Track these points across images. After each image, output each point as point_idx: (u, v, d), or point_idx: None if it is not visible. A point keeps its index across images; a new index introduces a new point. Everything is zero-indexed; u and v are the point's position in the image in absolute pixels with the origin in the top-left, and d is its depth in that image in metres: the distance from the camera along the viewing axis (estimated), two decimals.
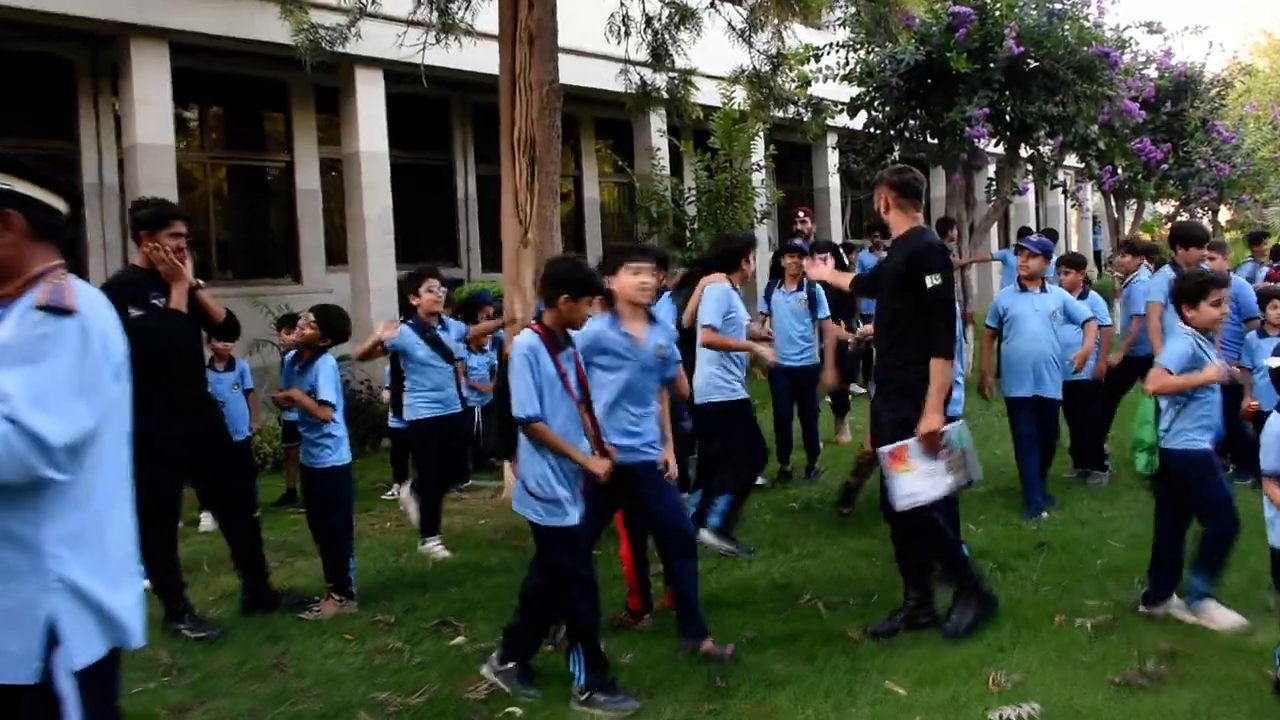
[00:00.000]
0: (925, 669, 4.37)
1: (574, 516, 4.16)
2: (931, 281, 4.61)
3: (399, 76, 11.41)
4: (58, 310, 2.30)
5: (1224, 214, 23.06)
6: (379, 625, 5.23)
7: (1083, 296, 7.52)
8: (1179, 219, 12.38)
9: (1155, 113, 15.81)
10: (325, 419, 5.49)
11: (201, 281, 5.35)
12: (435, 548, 6.47)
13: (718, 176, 12.95)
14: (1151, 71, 16.46)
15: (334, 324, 5.55)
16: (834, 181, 17.70)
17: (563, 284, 4.17)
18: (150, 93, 9.67)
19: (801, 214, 10.38)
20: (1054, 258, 8.26)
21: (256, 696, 4.39)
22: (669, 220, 13.37)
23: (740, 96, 11.91)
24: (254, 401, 7.80)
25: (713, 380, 6.21)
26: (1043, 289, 7.10)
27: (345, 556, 5.54)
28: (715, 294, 6.14)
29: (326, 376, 5.48)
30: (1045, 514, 6.76)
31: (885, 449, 4.70)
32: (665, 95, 10.02)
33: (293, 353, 5.76)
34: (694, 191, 13.35)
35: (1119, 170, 15.19)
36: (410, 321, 6.48)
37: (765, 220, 14.29)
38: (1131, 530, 6.32)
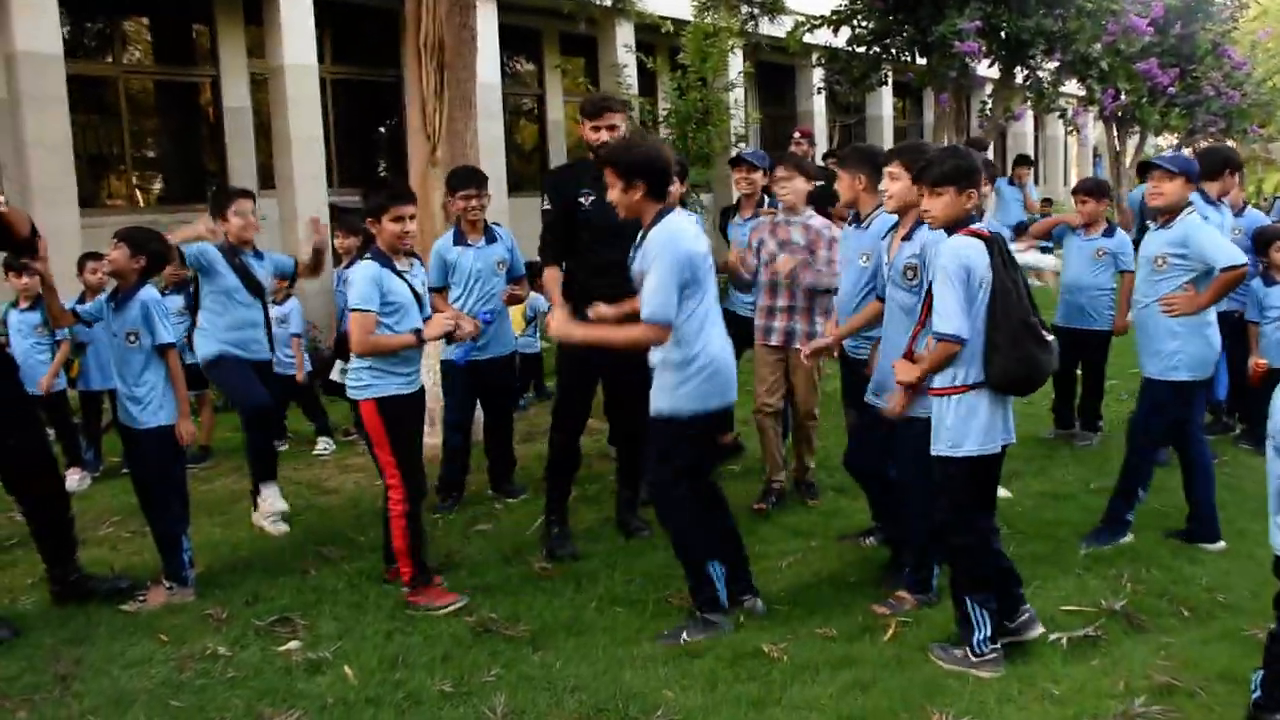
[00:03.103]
0: (853, 705, 3.45)
1: None
2: None
3: None
4: None
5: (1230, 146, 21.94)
6: (208, 621, 4.32)
7: (1109, 234, 6.52)
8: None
9: (1163, 35, 14.65)
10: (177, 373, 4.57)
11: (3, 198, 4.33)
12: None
13: (688, 96, 11.83)
14: None
15: (145, 242, 4.53)
16: (819, 103, 16.54)
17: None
18: None
19: (798, 134, 9.21)
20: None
21: None
22: None
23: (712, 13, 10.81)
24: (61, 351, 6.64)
25: None
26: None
27: (177, 535, 4.60)
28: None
29: (158, 311, 4.50)
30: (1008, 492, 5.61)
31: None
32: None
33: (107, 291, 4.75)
34: (666, 113, 12.23)
35: (1122, 94, 14.04)
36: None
37: (741, 144, 13.15)
38: None
